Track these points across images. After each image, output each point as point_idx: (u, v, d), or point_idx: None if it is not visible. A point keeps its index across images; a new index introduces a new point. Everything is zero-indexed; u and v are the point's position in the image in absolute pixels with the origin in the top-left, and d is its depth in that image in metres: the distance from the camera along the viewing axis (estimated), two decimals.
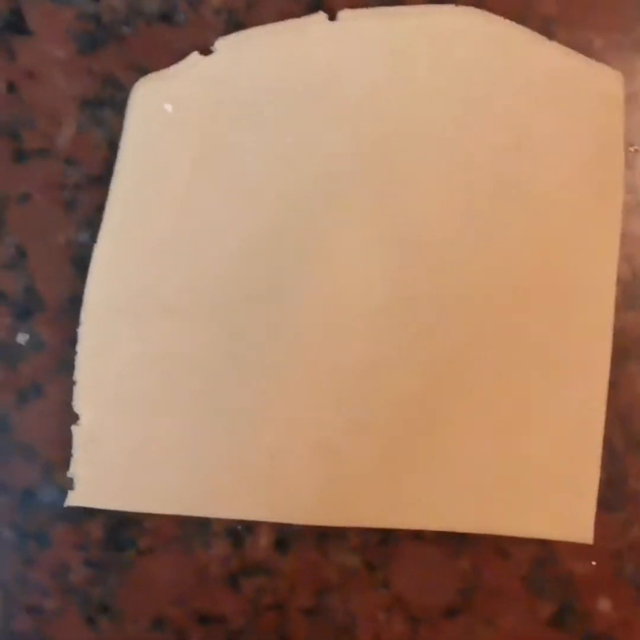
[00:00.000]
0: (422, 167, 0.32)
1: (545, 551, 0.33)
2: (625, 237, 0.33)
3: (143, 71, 0.33)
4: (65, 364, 0.33)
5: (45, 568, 0.34)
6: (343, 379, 0.33)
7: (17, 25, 0.33)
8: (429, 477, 0.33)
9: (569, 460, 0.33)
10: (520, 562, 0.34)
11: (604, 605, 0.33)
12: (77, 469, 0.33)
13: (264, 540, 0.34)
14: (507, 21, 0.32)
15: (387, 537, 0.34)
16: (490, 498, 0.33)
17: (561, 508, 0.33)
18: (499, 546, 0.33)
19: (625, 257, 0.33)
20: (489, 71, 0.32)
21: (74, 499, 0.33)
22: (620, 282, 0.33)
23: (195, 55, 0.32)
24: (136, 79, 0.33)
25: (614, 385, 0.33)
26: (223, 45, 0.32)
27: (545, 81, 0.32)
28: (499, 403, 0.33)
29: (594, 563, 0.33)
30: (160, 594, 0.34)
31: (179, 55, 0.33)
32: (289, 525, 0.33)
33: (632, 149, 0.33)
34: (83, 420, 0.33)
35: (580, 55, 0.32)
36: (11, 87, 0.33)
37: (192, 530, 0.34)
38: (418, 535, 0.33)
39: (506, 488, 0.33)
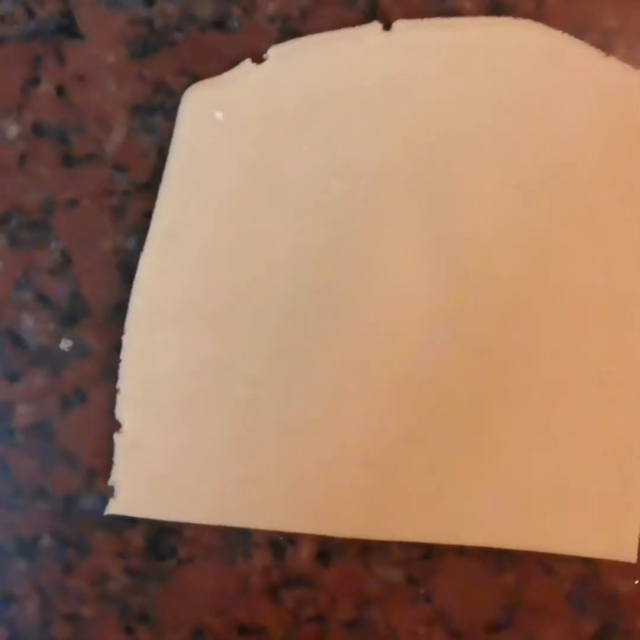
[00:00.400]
0: (474, 178, 0.32)
1: (588, 569, 0.33)
2: None
3: (195, 77, 0.33)
4: (109, 371, 0.33)
5: (85, 576, 0.34)
6: (392, 391, 0.32)
7: (69, 28, 0.33)
8: (474, 493, 0.33)
9: (614, 480, 0.33)
10: (564, 579, 0.33)
11: None
12: (119, 477, 0.33)
13: (305, 552, 0.34)
14: (565, 35, 0.32)
15: (430, 552, 0.33)
16: (535, 515, 0.33)
17: (605, 526, 0.33)
18: (542, 563, 0.33)
19: None
20: (544, 85, 0.32)
21: (114, 508, 0.33)
22: None
23: (247, 63, 0.32)
24: (187, 85, 0.33)
25: None
26: (276, 53, 0.32)
27: (601, 96, 0.32)
28: (545, 419, 0.33)
29: (637, 582, 0.33)
30: (200, 604, 0.34)
31: (232, 62, 0.32)
32: (331, 538, 0.33)
33: None
34: (125, 428, 0.33)
35: (638, 71, 0.32)
36: (61, 91, 0.33)
37: (233, 540, 0.34)
38: (461, 551, 0.33)
39: (551, 506, 0.33)
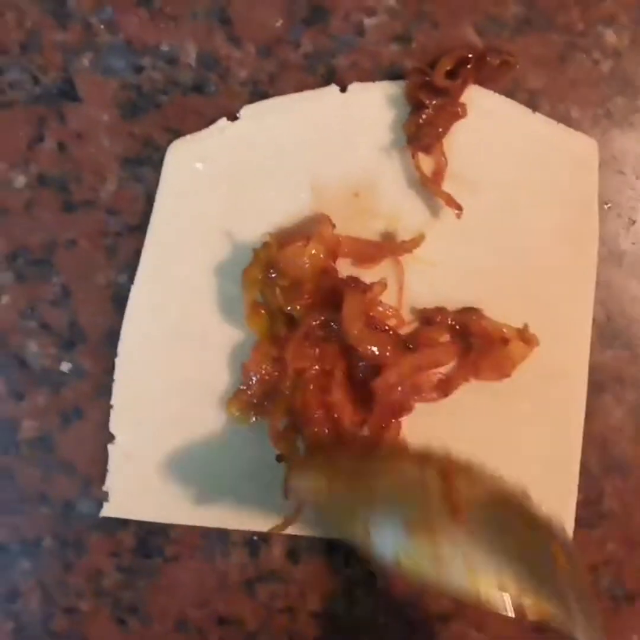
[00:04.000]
0: (419, 221, 0.36)
1: None
2: (600, 284, 0.37)
3: (177, 134, 0.37)
4: (103, 390, 0.37)
5: (82, 573, 0.38)
6: None
7: (68, 93, 0.37)
8: None
9: (550, 483, 0.36)
10: None
11: None
12: (112, 483, 0.37)
13: (277, 551, 0.37)
14: (496, 95, 0.36)
15: None
16: None
17: None
18: None
19: (600, 302, 0.37)
20: (481, 139, 0.36)
21: (108, 511, 0.37)
22: (596, 323, 0.37)
23: (223, 121, 0.37)
24: (171, 141, 0.37)
25: (591, 415, 0.36)
26: (248, 112, 0.37)
27: (529, 147, 0.36)
28: (491, 433, 0.36)
29: None
30: (184, 597, 0.38)
31: (209, 120, 0.37)
32: (300, 537, 0.37)
33: (606, 206, 0.37)
34: (118, 439, 0.37)
35: (561, 124, 0.36)
36: (62, 147, 0.38)
37: (213, 540, 0.38)
38: None
39: None
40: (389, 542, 0.29)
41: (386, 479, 0.31)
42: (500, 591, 0.28)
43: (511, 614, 0.28)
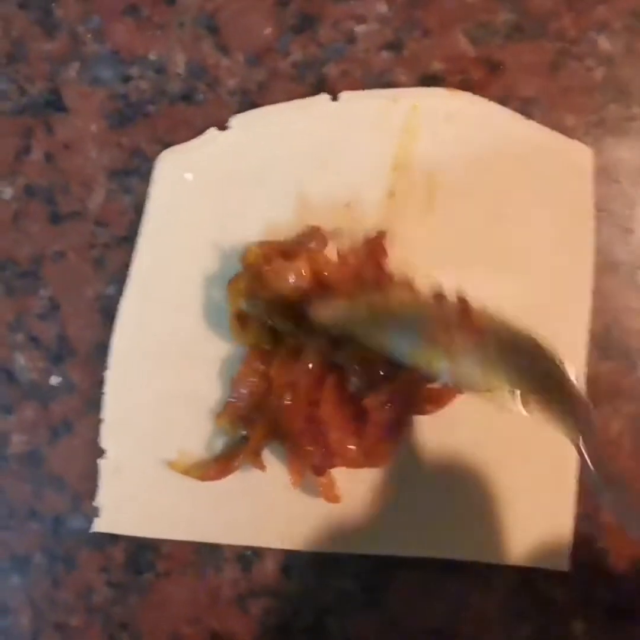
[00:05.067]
0: (413, 231, 0.36)
1: (525, 577, 0.36)
2: (596, 293, 0.36)
3: (166, 144, 0.37)
4: (93, 404, 0.37)
5: (72, 589, 0.37)
6: None
7: (56, 103, 0.37)
8: (422, 510, 0.36)
9: (548, 497, 0.36)
10: (502, 588, 0.36)
11: (578, 628, 0.36)
12: (103, 498, 0.37)
13: (270, 565, 0.37)
14: (491, 102, 0.36)
15: (381, 564, 0.36)
16: (477, 529, 0.36)
17: (540, 539, 0.36)
18: (482, 572, 0.36)
19: (597, 312, 0.36)
20: (475, 147, 0.36)
21: (99, 526, 0.37)
22: (593, 334, 0.36)
23: (212, 131, 0.36)
24: (160, 151, 0.37)
25: None
26: (237, 121, 0.36)
27: (524, 155, 0.36)
28: (486, 445, 0.36)
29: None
30: (176, 613, 0.37)
31: (198, 130, 0.36)
32: (293, 552, 0.36)
33: (601, 213, 0.36)
34: (108, 454, 0.37)
35: (555, 132, 0.36)
36: (49, 157, 0.37)
37: (205, 555, 0.37)
38: (409, 563, 0.36)
39: (491, 521, 0.36)
40: (405, 346, 0.31)
41: (404, 304, 0.32)
42: (510, 387, 0.30)
43: (520, 410, 0.30)
